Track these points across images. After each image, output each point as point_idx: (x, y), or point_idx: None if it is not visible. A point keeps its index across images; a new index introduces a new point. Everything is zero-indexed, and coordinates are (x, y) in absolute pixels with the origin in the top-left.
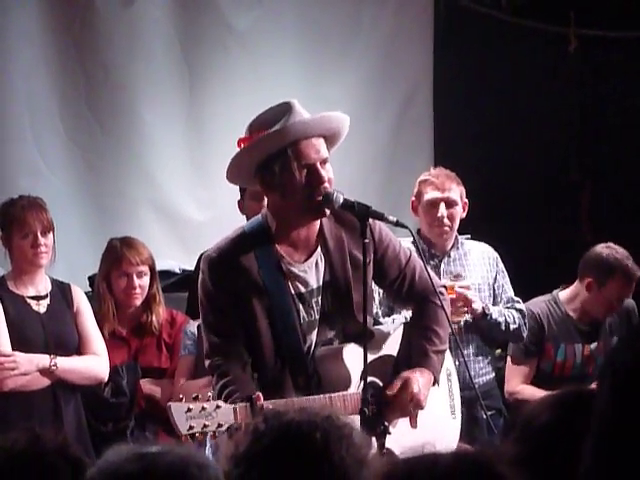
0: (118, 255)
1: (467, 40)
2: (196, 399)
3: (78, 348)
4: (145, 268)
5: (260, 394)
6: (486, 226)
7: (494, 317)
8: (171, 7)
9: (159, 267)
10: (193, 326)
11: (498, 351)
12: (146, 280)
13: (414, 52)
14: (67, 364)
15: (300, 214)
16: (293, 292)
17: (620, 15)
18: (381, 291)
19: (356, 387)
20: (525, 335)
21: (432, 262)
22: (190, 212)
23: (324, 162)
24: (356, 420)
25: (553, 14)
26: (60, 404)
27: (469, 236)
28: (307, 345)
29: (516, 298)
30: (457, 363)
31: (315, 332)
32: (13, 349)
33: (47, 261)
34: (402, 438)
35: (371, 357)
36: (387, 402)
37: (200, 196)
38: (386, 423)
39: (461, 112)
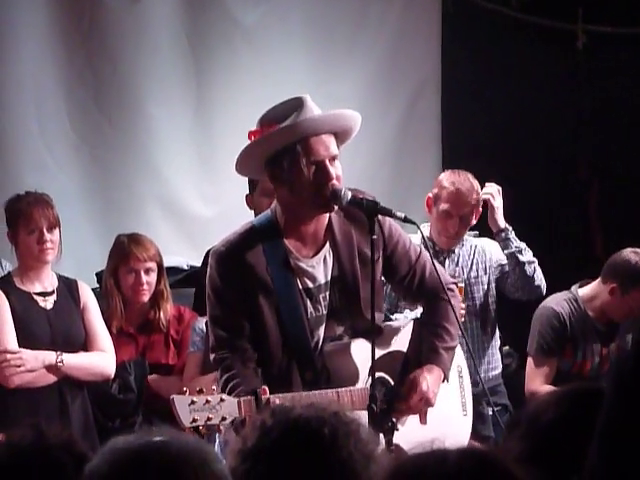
0: (126, 251)
1: (475, 36)
2: (200, 392)
3: (85, 344)
4: (153, 264)
5: (266, 388)
6: None
7: (514, 238)
8: (178, 3)
9: (167, 263)
10: (201, 322)
11: (505, 347)
12: (154, 276)
13: (422, 47)
14: (73, 361)
15: (308, 209)
16: (301, 287)
17: (628, 12)
18: (386, 288)
19: (364, 382)
20: (543, 287)
21: (437, 260)
22: (197, 208)
23: (333, 159)
24: (363, 416)
25: (561, 10)
26: (66, 401)
27: (477, 232)
28: (315, 340)
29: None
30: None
31: (323, 327)
32: (19, 346)
33: (53, 257)
34: (411, 435)
35: (380, 353)
36: (396, 399)
37: (207, 192)
38: (394, 419)
39: (469, 108)
